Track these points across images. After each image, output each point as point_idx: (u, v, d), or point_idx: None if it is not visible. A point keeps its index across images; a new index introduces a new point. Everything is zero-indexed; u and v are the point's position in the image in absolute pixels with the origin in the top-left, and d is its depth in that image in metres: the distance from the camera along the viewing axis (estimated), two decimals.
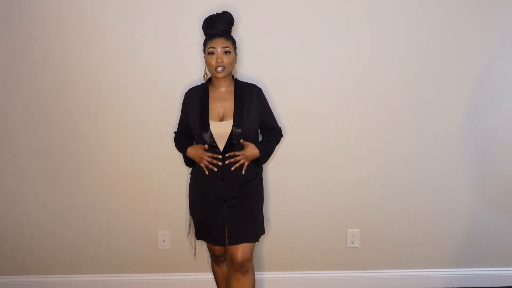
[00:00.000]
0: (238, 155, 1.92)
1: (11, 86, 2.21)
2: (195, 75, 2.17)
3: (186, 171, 2.27)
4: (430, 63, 2.21)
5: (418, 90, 2.24)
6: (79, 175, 2.32)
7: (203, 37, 2.02)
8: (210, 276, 2.39)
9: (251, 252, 1.97)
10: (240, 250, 1.93)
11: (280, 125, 2.15)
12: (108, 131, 2.26)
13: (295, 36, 2.17)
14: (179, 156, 2.23)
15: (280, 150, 2.28)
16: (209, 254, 2.20)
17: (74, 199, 2.35)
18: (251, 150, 1.95)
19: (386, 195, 2.36)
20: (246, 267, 1.95)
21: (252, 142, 1.99)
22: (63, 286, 2.45)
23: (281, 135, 2.14)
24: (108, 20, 2.13)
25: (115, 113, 2.24)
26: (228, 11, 1.98)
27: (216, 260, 2.14)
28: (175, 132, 2.14)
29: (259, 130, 2.09)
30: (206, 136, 1.90)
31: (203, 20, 1.95)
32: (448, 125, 2.28)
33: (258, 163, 2.02)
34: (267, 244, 2.41)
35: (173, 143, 2.15)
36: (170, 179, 2.30)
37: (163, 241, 2.40)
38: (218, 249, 2.06)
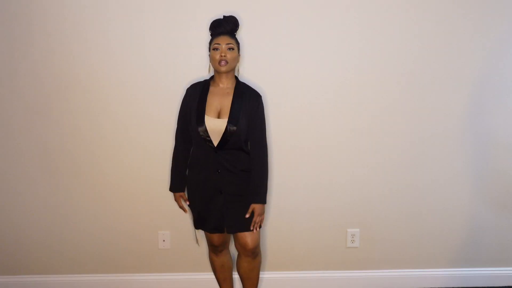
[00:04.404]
0: (257, 222, 2.04)
1: (11, 86, 2.21)
2: (197, 75, 2.17)
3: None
4: (430, 63, 2.21)
5: (418, 90, 2.24)
6: (79, 175, 2.32)
7: (205, 39, 2.08)
8: (210, 276, 2.39)
9: (259, 237, 2.11)
10: (250, 238, 2.05)
11: (268, 141, 2.11)
12: (108, 130, 2.26)
13: (296, 38, 2.17)
14: None
15: (280, 150, 2.28)
16: (207, 246, 2.24)
17: (74, 198, 2.35)
18: (259, 209, 2.03)
19: (386, 195, 2.36)
20: (256, 252, 2.12)
21: (245, 142, 2.02)
22: (63, 286, 2.45)
23: (263, 161, 2.04)
24: (108, 18, 2.13)
25: (116, 113, 2.24)
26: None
27: (214, 250, 2.18)
28: (176, 137, 2.12)
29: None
30: (201, 130, 1.94)
31: (207, 21, 2.05)
32: (448, 125, 2.29)
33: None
34: (267, 243, 2.41)
35: (172, 150, 2.15)
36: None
37: (163, 241, 2.40)
38: (216, 239, 2.12)
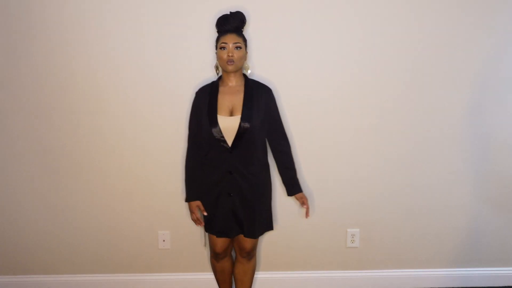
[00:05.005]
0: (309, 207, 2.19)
1: (12, 86, 2.21)
2: (198, 76, 2.17)
3: None
4: (430, 63, 2.21)
5: (418, 89, 2.24)
6: (79, 175, 2.32)
7: (211, 38, 2.09)
8: (209, 276, 2.39)
9: (257, 241, 2.16)
10: (249, 243, 2.10)
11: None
12: (109, 131, 2.26)
13: (300, 37, 2.17)
14: (180, 156, 2.23)
15: None
16: (209, 251, 2.24)
17: (74, 199, 2.35)
18: (305, 196, 2.17)
19: (386, 195, 2.36)
20: (252, 254, 2.16)
21: (259, 140, 2.01)
22: (63, 286, 2.45)
23: (291, 152, 2.16)
24: (110, 20, 2.13)
25: (116, 113, 2.24)
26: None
27: (216, 257, 2.17)
28: (188, 144, 2.11)
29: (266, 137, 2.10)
30: (215, 131, 1.93)
31: (211, 19, 2.06)
32: (448, 125, 2.28)
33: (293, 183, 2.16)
34: (267, 243, 2.41)
35: (181, 153, 2.17)
36: (170, 179, 2.30)
37: (163, 241, 2.40)
38: (219, 246, 2.11)
